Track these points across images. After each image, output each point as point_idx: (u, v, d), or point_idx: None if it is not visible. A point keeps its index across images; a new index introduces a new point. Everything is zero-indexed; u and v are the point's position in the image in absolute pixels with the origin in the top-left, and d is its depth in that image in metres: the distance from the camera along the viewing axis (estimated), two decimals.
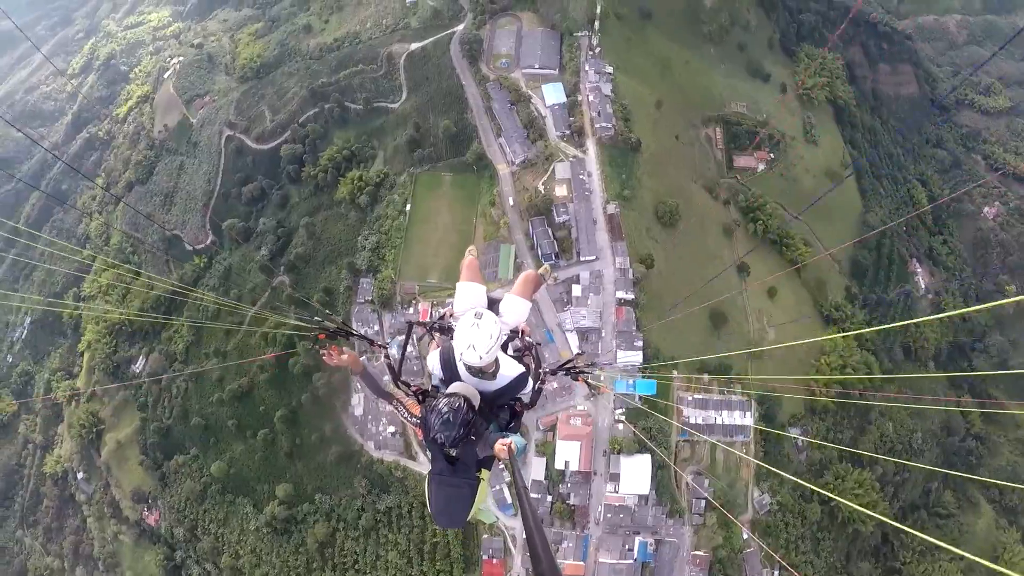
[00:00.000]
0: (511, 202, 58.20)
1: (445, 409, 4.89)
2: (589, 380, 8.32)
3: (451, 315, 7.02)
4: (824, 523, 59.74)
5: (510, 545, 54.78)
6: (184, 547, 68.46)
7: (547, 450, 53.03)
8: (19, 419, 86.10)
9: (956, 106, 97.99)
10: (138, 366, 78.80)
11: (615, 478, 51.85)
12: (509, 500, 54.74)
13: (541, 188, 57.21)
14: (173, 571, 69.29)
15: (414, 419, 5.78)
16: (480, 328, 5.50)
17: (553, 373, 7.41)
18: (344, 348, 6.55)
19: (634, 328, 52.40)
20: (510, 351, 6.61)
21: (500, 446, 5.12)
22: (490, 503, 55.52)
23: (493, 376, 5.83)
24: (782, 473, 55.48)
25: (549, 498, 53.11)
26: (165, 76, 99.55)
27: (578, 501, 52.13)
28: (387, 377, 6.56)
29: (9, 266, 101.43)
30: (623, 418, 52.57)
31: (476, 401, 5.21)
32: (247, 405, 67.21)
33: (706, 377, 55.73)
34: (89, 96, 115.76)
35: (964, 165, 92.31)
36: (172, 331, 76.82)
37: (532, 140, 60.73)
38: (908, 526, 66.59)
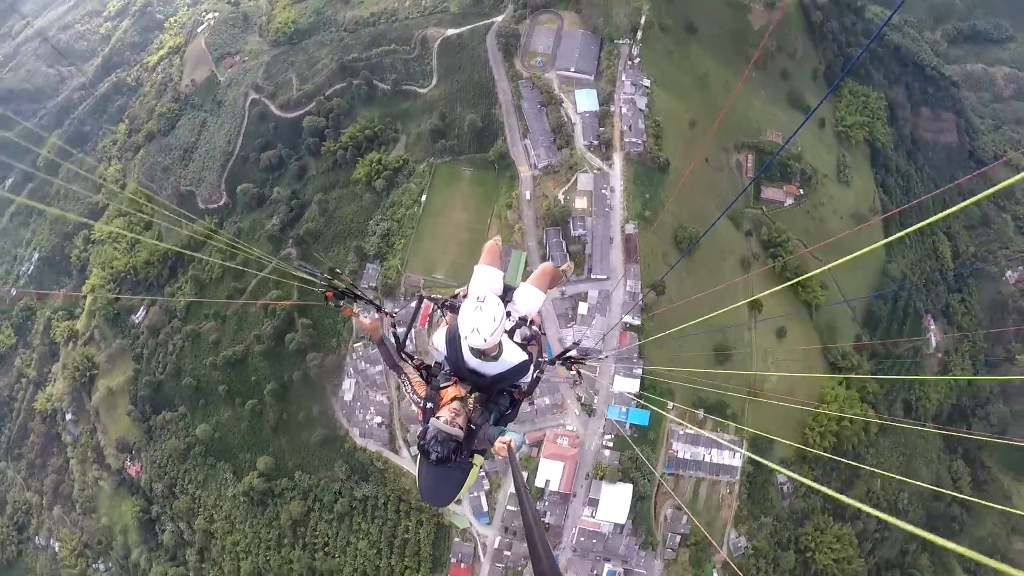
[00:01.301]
0: (528, 208, 55.48)
1: (436, 438, 5.06)
2: (582, 370, 8.04)
3: (464, 296, 6.71)
4: (797, 572, 57.91)
5: (480, 552, 53.47)
6: (161, 503, 67.93)
7: (530, 466, 51.19)
8: (16, 353, 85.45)
9: (993, 161, 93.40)
10: (138, 317, 77.67)
11: (594, 503, 50.03)
12: (485, 508, 53.19)
13: (561, 198, 54.42)
14: (148, 524, 68.87)
15: (416, 398, 5.78)
16: (483, 311, 5.37)
17: (551, 363, 7.31)
18: (370, 315, 6.62)
19: (635, 355, 50.04)
20: (517, 338, 6.48)
21: (500, 444, 5.13)
22: (466, 509, 54.05)
23: (495, 359, 5.74)
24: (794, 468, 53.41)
25: None
26: (199, 30, 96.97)
27: (553, 521, 50.42)
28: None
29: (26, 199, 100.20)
30: (611, 444, 50.48)
31: (452, 432, 5.20)
32: (239, 373, 65.87)
33: (701, 413, 53.47)
34: (122, 40, 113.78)
35: (993, 224, 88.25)
36: (176, 287, 75.47)
37: (558, 146, 57.68)
38: None
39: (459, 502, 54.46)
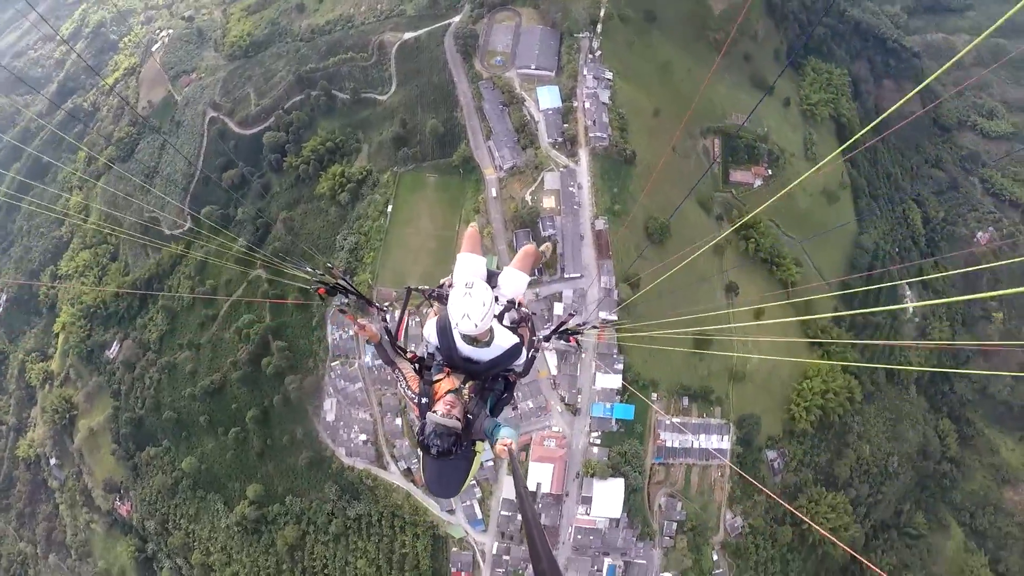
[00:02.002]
0: (496, 211, 54.44)
1: (435, 432, 5.04)
2: (580, 339, 8.16)
3: (450, 285, 6.74)
4: (794, 545, 58.34)
5: (479, 559, 53.04)
6: (155, 540, 66.52)
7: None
8: None
9: (958, 127, 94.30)
10: (112, 352, 75.50)
11: (587, 501, 49.75)
12: (479, 516, 52.71)
13: (528, 198, 53.48)
14: (144, 563, 67.34)
15: (411, 394, 5.76)
16: (473, 297, 5.39)
17: (547, 339, 7.38)
18: (365, 322, 6.49)
19: (615, 351, 49.53)
20: (506, 322, 6.45)
21: (501, 447, 5.13)
22: (460, 518, 53.52)
23: (488, 345, 5.75)
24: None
25: (519, 517, 50.93)
26: (153, 49, 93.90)
27: (548, 522, 50.05)
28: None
29: None
30: (598, 441, 50.09)
31: (448, 424, 5.17)
32: (219, 402, 64.35)
33: (685, 401, 53.29)
34: (77, 65, 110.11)
35: (961, 188, 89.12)
36: (147, 318, 73.48)
37: (523, 146, 56.57)
38: (878, 546, 66.73)
39: (452, 511, 53.96)
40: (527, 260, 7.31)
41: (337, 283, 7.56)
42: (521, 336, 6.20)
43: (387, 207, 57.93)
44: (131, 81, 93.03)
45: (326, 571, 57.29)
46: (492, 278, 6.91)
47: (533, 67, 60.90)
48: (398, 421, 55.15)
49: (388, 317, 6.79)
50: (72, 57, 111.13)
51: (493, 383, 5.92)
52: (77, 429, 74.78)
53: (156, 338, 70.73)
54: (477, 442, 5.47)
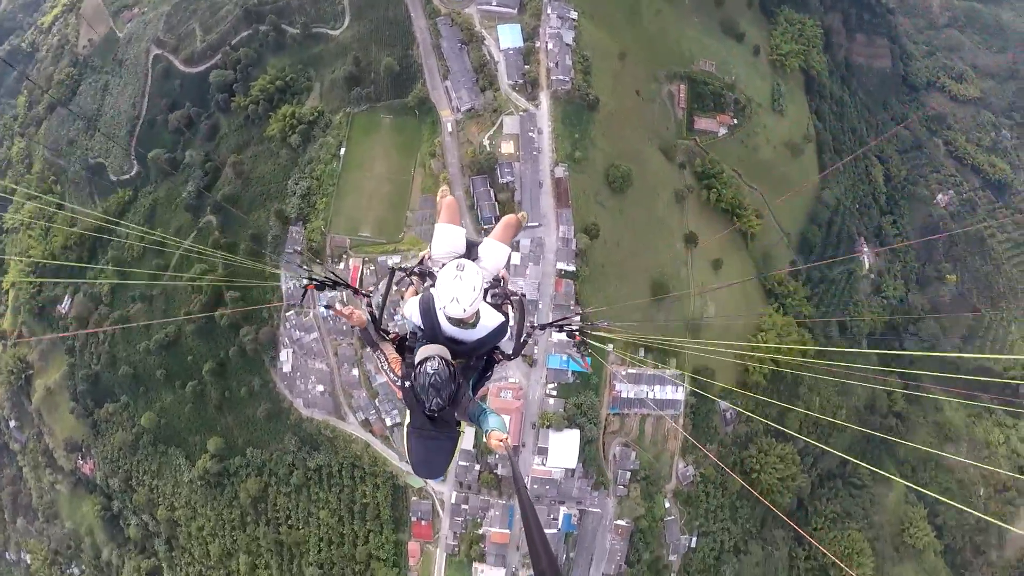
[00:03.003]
0: (453, 155, 50.15)
1: (431, 375, 4.68)
2: (588, 340, 6.14)
3: (429, 257, 6.45)
4: (744, 492, 58.72)
5: (438, 508, 52.19)
6: (120, 497, 64.22)
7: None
8: None
9: (926, 87, 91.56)
10: (64, 307, 70.52)
11: (543, 452, 48.54)
12: None
13: (486, 143, 49.30)
14: (111, 521, 65.26)
15: (394, 376, 5.49)
16: (463, 280, 5.09)
17: (543, 328, 7.08)
18: (350, 308, 6.25)
19: (572, 302, 47.11)
20: (488, 299, 5.92)
21: (497, 443, 5.00)
22: None
23: (474, 326, 5.40)
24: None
25: (477, 467, 49.84)
26: None
27: (505, 472, 48.85)
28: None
29: None
30: (555, 393, 48.40)
31: (448, 356, 4.90)
32: (175, 355, 60.85)
33: (641, 351, 51.62)
34: (13, 3, 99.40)
35: (925, 148, 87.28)
36: (97, 272, 68.30)
37: (481, 88, 51.80)
38: (823, 494, 68.10)
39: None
40: (508, 231, 6.70)
41: (326, 278, 7.32)
42: (505, 314, 5.80)
43: (340, 150, 53.13)
44: (70, 18, 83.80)
45: (289, 522, 56.03)
46: (471, 249, 6.42)
47: (494, 3, 55.32)
48: (355, 371, 52.68)
49: (373, 302, 6.38)
50: None
51: (477, 362, 5.63)
52: (34, 389, 70.90)
53: (107, 291, 66.00)
54: (461, 422, 5.16)
